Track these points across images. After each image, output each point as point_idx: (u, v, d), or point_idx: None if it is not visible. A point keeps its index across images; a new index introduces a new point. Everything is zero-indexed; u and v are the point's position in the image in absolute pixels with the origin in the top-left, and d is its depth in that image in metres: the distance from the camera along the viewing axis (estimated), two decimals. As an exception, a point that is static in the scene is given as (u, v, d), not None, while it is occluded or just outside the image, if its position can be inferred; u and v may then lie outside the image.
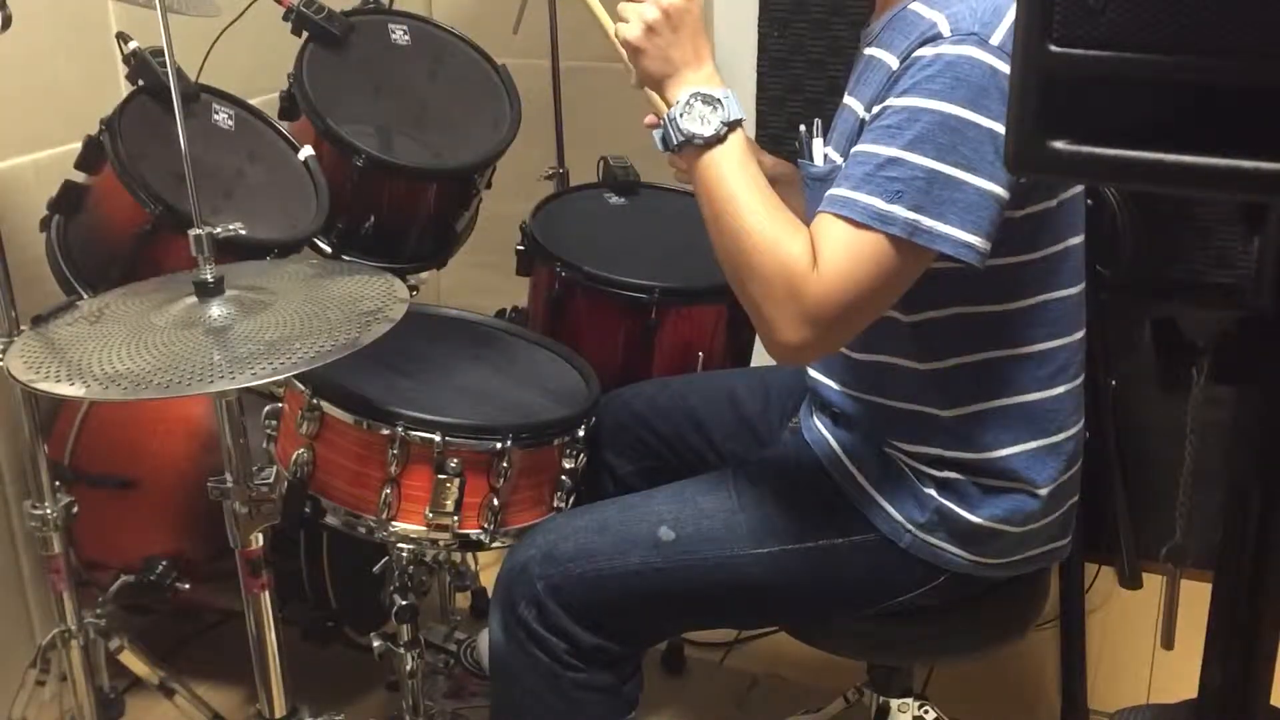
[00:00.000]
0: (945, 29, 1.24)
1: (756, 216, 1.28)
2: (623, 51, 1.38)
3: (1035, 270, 1.36)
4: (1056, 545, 1.50)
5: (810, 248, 1.25)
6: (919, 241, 1.22)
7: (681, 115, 1.31)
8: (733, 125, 1.32)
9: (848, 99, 1.41)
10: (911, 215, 1.22)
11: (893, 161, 1.23)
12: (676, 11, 1.33)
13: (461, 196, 2.09)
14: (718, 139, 1.31)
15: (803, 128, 1.47)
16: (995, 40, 1.22)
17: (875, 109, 1.27)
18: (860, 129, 1.32)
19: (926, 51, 1.24)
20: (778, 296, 1.26)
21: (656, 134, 1.37)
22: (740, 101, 1.33)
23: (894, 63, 1.29)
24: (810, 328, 1.25)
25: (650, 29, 1.33)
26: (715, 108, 1.31)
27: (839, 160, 1.37)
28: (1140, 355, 2.16)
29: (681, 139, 1.32)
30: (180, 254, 1.49)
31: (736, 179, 1.30)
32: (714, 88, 1.32)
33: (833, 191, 1.27)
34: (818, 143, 1.44)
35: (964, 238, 1.23)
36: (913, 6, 1.31)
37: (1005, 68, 1.22)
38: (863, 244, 1.24)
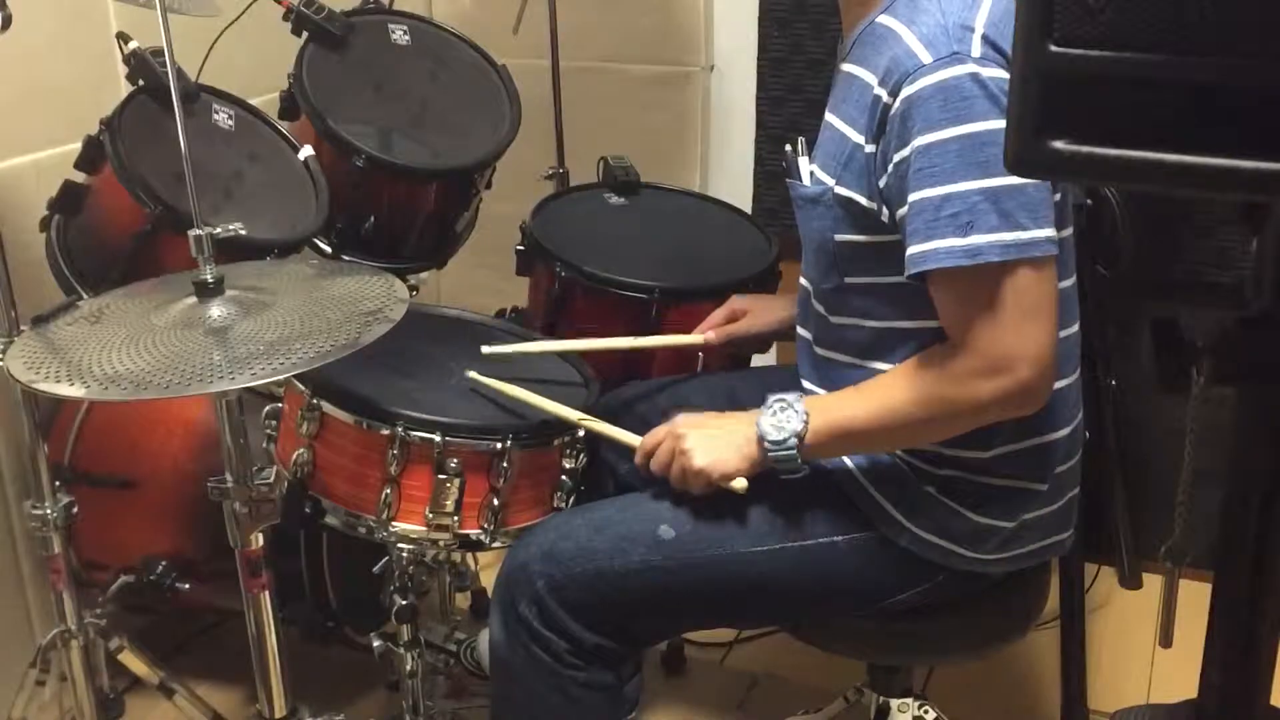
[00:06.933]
0: (925, 56, 1.24)
1: (885, 410, 1.33)
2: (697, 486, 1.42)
3: None
4: (1057, 539, 1.50)
5: (912, 358, 1.33)
6: (1010, 258, 1.23)
7: (775, 443, 1.36)
8: (799, 399, 1.37)
9: (829, 116, 1.41)
10: (990, 238, 1.23)
11: (947, 199, 1.23)
12: (685, 426, 1.41)
13: (461, 196, 2.09)
14: (806, 416, 1.35)
15: (789, 148, 1.47)
16: (975, 52, 1.23)
17: (896, 158, 1.27)
18: (852, 152, 1.32)
19: (918, 86, 1.24)
20: (965, 402, 1.29)
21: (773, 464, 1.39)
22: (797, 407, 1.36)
23: (872, 80, 1.30)
24: (999, 377, 1.26)
25: (686, 453, 1.39)
26: (777, 410, 1.37)
27: (827, 180, 1.37)
28: (1140, 355, 2.15)
29: (795, 443, 1.35)
30: (180, 254, 1.48)
31: (846, 418, 1.35)
32: (765, 409, 1.38)
33: (909, 252, 1.27)
34: (803, 161, 1.44)
35: (1044, 234, 1.25)
36: (880, 20, 1.32)
37: (994, 72, 1.22)
38: (969, 286, 1.26)
